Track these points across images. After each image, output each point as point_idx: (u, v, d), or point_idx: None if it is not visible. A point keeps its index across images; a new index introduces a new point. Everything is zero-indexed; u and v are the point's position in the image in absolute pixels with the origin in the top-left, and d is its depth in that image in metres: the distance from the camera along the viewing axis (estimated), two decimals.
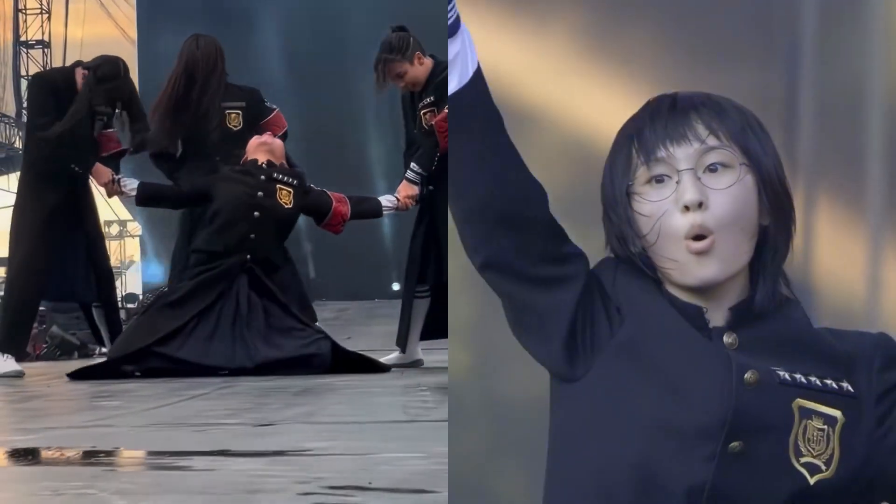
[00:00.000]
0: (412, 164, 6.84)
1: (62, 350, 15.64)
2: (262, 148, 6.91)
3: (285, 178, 6.85)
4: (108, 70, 6.85)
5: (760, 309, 1.73)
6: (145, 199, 7.10)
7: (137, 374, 6.46)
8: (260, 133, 7.04)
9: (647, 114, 1.77)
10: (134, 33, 20.99)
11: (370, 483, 2.28)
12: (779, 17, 2.10)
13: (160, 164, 7.19)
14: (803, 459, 1.69)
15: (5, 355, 6.76)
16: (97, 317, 7.10)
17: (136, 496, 2.25)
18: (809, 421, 1.70)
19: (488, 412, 2.08)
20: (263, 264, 6.74)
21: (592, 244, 1.84)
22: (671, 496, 1.67)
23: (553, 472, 1.78)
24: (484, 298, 1.82)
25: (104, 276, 7.11)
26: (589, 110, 2.07)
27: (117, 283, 9.06)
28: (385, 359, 6.88)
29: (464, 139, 1.74)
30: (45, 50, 30.09)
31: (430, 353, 7.09)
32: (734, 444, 1.67)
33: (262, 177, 6.81)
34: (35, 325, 10.69)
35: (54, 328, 15.95)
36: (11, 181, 23.29)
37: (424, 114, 6.70)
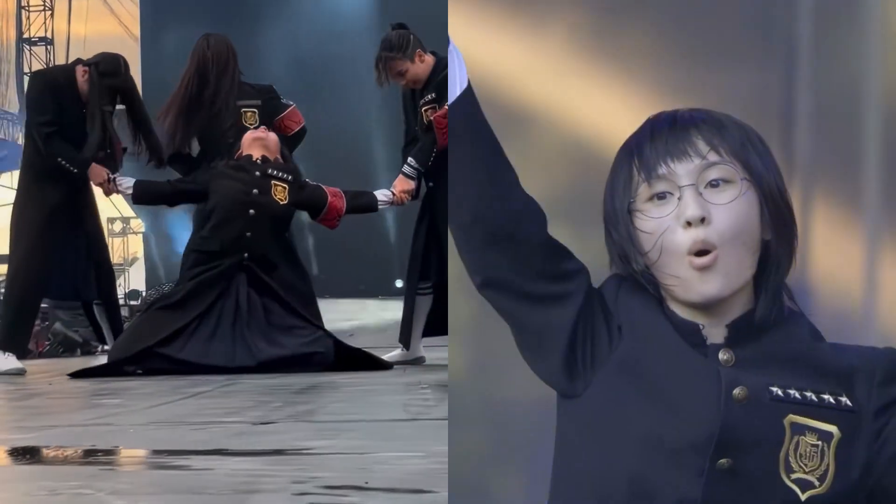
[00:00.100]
0: (409, 159, 6.84)
1: (65, 347, 15.63)
2: (256, 143, 6.88)
3: (280, 174, 6.82)
4: (108, 66, 6.85)
5: (761, 323, 1.73)
6: (141, 197, 7.10)
7: (139, 371, 6.47)
8: (276, 129, 7.06)
9: (648, 131, 1.77)
10: (137, 30, 20.96)
11: (366, 483, 2.28)
12: (776, 18, 2.09)
13: (175, 164, 7.20)
14: (794, 475, 1.69)
15: (6, 353, 6.76)
16: (98, 314, 7.11)
17: (133, 496, 2.25)
18: (802, 437, 1.70)
19: (488, 412, 2.08)
20: (261, 262, 6.73)
21: (591, 244, 1.84)
22: None
23: (556, 482, 1.81)
24: (484, 299, 1.83)
25: (105, 273, 7.10)
26: (588, 110, 2.07)
27: (121, 280, 9.07)
28: (388, 356, 6.88)
29: (455, 157, 1.75)
30: (48, 47, 30.05)
31: (432, 350, 7.09)
32: (722, 460, 1.68)
33: (257, 173, 6.79)
34: (37, 321, 10.70)
35: (57, 325, 15.94)
36: (14, 178, 23.28)
37: (425, 111, 6.69)
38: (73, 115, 6.81)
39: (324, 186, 7.00)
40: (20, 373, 6.73)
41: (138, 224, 28.25)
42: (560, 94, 2.08)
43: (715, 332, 1.74)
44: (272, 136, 6.94)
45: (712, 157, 1.73)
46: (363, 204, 7.07)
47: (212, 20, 13.47)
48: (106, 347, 7.39)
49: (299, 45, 17.85)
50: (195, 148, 7.28)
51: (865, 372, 1.73)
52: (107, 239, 8.25)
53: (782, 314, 1.74)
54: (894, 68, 2.06)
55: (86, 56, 7.22)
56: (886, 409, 1.73)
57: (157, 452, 3.03)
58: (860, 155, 2.07)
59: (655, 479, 1.69)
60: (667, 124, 1.76)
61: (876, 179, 2.06)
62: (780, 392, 1.70)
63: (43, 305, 10.12)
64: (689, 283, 1.71)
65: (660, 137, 1.75)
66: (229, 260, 6.69)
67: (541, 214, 1.77)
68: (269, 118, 7.17)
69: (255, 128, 6.98)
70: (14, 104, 29.58)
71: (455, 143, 1.75)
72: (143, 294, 19.76)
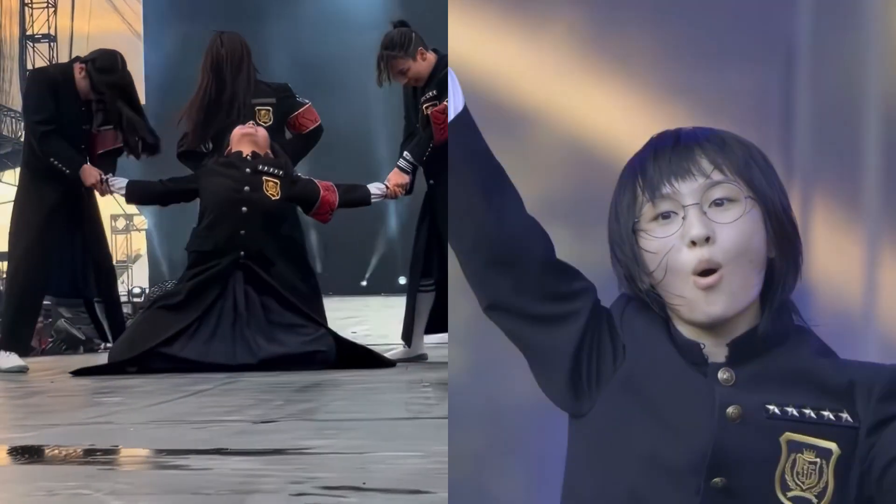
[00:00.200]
0: (405, 153, 6.85)
1: (67, 344, 15.67)
2: (246, 139, 6.86)
3: (271, 170, 6.80)
4: (105, 62, 6.85)
5: (764, 341, 1.72)
6: (134, 196, 7.10)
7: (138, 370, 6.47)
8: (290, 128, 7.06)
9: (651, 150, 1.77)
10: (140, 28, 20.99)
11: (364, 484, 2.28)
12: (776, 18, 2.09)
13: (188, 161, 7.20)
14: (791, 493, 1.69)
15: (8, 351, 6.77)
16: (98, 312, 7.11)
17: (131, 496, 2.25)
18: (799, 454, 1.69)
19: (488, 412, 2.08)
20: (258, 259, 6.72)
21: (591, 244, 1.84)
22: None
23: (565, 497, 1.81)
24: None
25: (105, 271, 7.11)
26: (588, 110, 2.07)
27: (124, 278, 9.07)
28: (390, 353, 6.88)
29: (453, 183, 1.76)
30: (52, 44, 30.07)
31: (435, 347, 7.09)
32: (716, 479, 1.68)
33: (248, 170, 6.77)
34: (40, 319, 10.70)
35: (60, 322, 15.97)
36: (17, 175, 23.32)
37: (426, 107, 6.69)
38: (72, 112, 6.81)
39: (316, 180, 6.99)
40: (22, 370, 6.73)
41: (142, 221, 28.29)
42: (560, 94, 2.07)
43: (717, 351, 1.73)
44: (261, 132, 6.91)
45: (716, 175, 1.72)
46: (356, 198, 7.04)
47: (215, 17, 13.47)
48: (108, 345, 7.40)
49: (302, 43, 17.85)
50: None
51: (865, 387, 1.72)
52: (110, 236, 8.26)
53: (787, 331, 1.74)
54: (894, 68, 2.06)
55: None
56: (879, 426, 1.71)
57: (156, 452, 3.02)
58: (860, 156, 2.07)
59: (655, 499, 1.69)
60: (670, 143, 1.76)
61: (876, 180, 2.06)
62: (776, 410, 1.70)
63: (46, 302, 10.12)
64: (694, 304, 1.71)
65: (663, 157, 1.74)
66: (226, 259, 6.68)
67: (543, 236, 1.78)
68: (284, 116, 7.17)
69: (269, 125, 6.98)
70: (17, 101, 29.59)
71: (453, 170, 1.75)
72: (147, 291, 19.78)
